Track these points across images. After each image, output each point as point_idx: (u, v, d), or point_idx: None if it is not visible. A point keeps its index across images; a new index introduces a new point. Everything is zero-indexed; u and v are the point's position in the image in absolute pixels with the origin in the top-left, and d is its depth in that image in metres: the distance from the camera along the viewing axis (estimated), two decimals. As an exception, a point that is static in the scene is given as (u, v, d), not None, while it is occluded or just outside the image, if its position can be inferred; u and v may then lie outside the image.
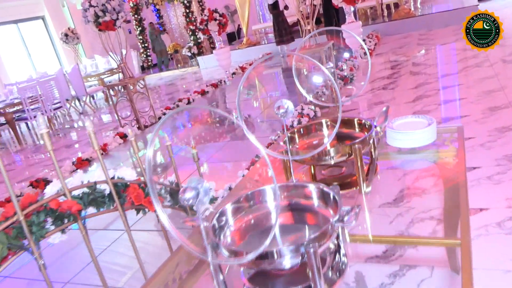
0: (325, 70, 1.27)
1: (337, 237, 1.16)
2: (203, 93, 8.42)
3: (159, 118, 7.00)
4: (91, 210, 2.09)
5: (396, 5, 11.03)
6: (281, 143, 1.51)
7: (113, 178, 2.15)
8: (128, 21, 6.29)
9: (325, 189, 1.23)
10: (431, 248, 2.25)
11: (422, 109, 4.61)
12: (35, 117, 8.06)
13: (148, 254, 2.77)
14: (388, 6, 11.61)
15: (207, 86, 8.79)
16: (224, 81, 9.17)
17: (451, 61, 6.66)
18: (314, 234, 1.00)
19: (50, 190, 1.88)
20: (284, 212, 1.31)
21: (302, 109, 5.14)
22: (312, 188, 1.28)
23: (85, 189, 2.02)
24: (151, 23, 14.26)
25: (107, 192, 2.10)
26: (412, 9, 11.05)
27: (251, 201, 1.28)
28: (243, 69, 9.96)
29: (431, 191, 1.75)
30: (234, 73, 9.53)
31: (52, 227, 1.87)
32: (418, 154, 1.86)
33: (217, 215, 1.19)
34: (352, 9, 8.29)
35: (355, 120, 1.81)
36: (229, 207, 1.23)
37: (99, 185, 2.07)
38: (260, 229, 1.24)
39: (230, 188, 3.32)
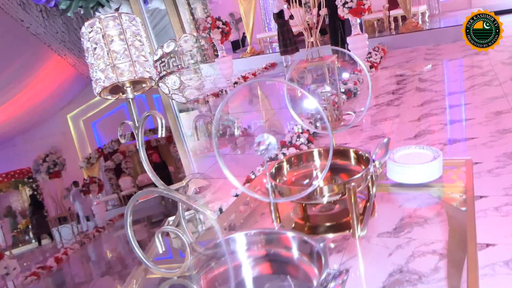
0: (315, 102, 1.08)
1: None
2: (203, 102, 8.26)
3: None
4: None
5: (404, 18, 10.85)
6: (264, 181, 1.32)
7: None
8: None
9: (310, 241, 1.05)
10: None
11: (427, 128, 4.41)
12: None
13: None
14: (395, 19, 11.43)
15: (207, 95, 8.62)
16: (226, 91, 9.00)
17: (459, 78, 6.46)
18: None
19: None
20: (260, 264, 1.12)
21: (302, 124, 4.93)
22: (293, 239, 1.09)
23: None
24: None
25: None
26: (420, 22, 10.87)
27: (222, 251, 1.10)
28: (245, 78, 9.79)
29: (434, 221, 1.60)
30: (236, 83, 9.37)
31: None
32: (421, 189, 1.68)
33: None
34: (359, 21, 8.12)
35: (352, 151, 1.63)
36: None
37: None
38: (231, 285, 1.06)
39: (220, 210, 3.13)
